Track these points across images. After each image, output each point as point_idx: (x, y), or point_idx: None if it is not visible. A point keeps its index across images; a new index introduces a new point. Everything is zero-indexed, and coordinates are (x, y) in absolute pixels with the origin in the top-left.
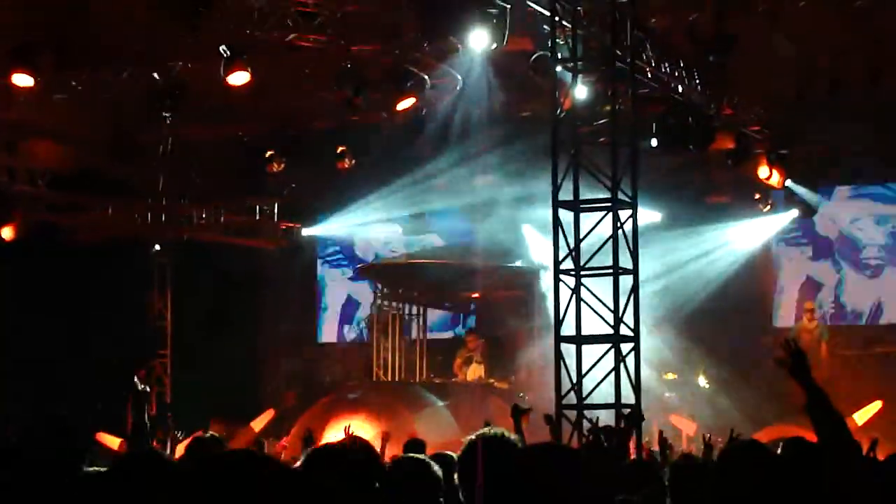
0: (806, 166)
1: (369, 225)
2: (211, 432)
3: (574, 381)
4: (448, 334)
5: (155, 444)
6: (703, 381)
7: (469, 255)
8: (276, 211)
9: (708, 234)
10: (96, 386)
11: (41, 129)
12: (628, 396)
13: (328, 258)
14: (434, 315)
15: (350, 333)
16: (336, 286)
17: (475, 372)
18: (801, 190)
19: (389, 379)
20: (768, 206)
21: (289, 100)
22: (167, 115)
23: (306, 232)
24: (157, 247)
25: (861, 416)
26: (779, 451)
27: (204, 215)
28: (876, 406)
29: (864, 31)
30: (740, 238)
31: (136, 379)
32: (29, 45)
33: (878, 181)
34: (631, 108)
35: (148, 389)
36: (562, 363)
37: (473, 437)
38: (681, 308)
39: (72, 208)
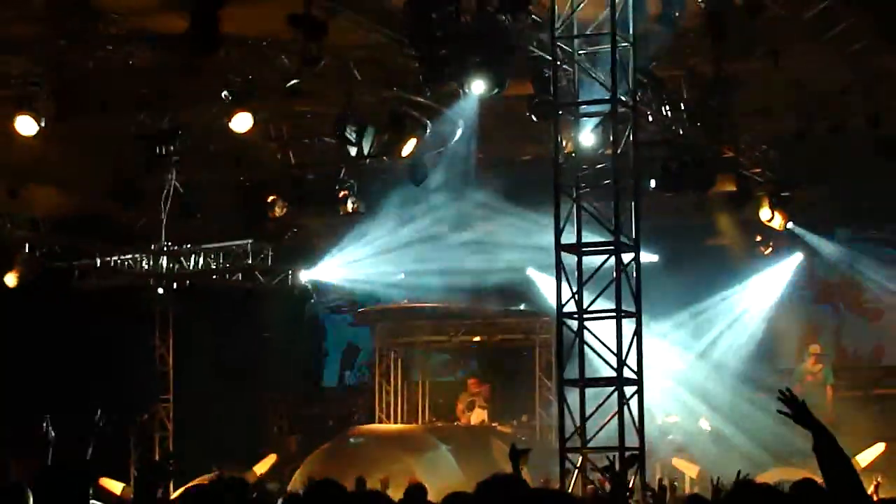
0: (807, 208)
1: (370, 269)
2: (233, 473)
3: (577, 424)
4: (450, 378)
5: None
6: (705, 424)
7: (471, 299)
8: (272, 255)
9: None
10: (99, 431)
11: (43, 175)
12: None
13: (330, 302)
14: (435, 359)
15: (352, 377)
16: (338, 330)
17: (478, 416)
18: (804, 233)
19: (391, 423)
20: (769, 249)
21: (291, 144)
22: (169, 159)
23: (308, 276)
24: (160, 290)
25: (864, 459)
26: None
27: (203, 260)
28: (879, 448)
29: (864, 72)
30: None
31: (137, 424)
32: (31, 91)
33: (878, 222)
34: (632, 152)
35: (150, 435)
36: (565, 406)
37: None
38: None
39: (74, 254)
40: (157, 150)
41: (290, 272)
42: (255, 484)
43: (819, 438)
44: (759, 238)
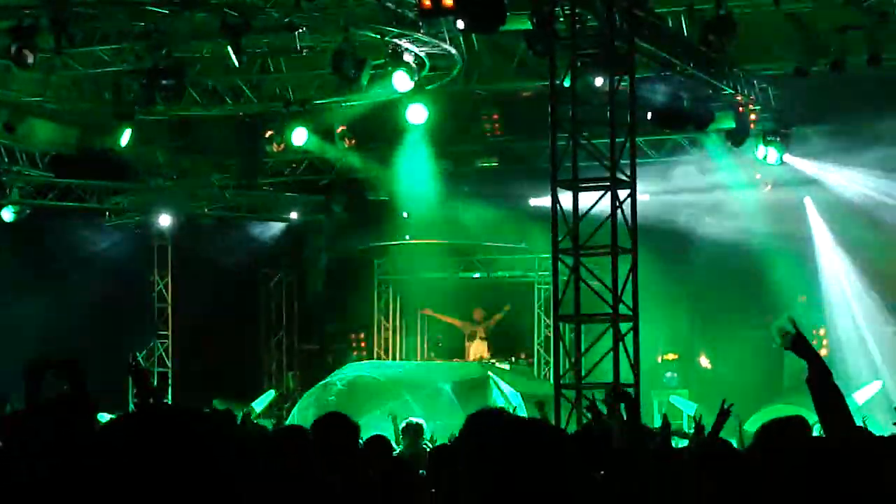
0: (805, 145)
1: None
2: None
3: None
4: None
5: None
6: (704, 362)
7: (472, 236)
8: (270, 190)
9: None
10: (97, 366)
11: (41, 109)
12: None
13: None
14: (436, 295)
15: (351, 313)
16: (337, 266)
17: (478, 349)
18: (803, 167)
19: (390, 359)
20: (768, 187)
21: (289, 79)
22: (167, 93)
23: (308, 211)
24: (161, 224)
25: (861, 396)
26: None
27: (202, 196)
28: (876, 386)
29: (865, 9)
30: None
31: (135, 359)
32: (29, 24)
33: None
34: (630, 88)
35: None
36: (560, 343)
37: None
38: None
39: (72, 190)
40: (156, 85)
41: (288, 207)
42: (244, 415)
43: (812, 370)
44: (758, 176)
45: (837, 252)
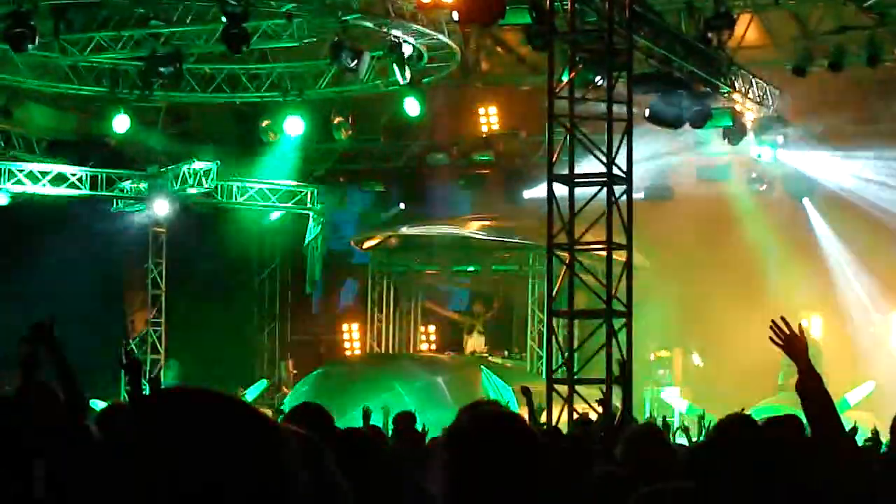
0: (802, 143)
1: (369, 196)
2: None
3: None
4: (446, 307)
5: None
6: (697, 359)
7: (468, 230)
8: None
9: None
10: (90, 353)
11: (38, 94)
12: None
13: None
14: (431, 289)
15: (345, 305)
16: (333, 258)
17: (475, 343)
18: (799, 165)
19: (383, 351)
20: (764, 186)
21: (286, 68)
22: (164, 80)
23: (305, 201)
24: (156, 211)
25: (853, 397)
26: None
27: (198, 182)
28: (869, 387)
29: (864, 9)
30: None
31: (127, 351)
32: (27, 9)
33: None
34: (627, 85)
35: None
36: (553, 338)
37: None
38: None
39: (68, 176)
40: (153, 72)
41: (286, 196)
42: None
43: (804, 376)
44: (754, 175)
45: (837, 248)
